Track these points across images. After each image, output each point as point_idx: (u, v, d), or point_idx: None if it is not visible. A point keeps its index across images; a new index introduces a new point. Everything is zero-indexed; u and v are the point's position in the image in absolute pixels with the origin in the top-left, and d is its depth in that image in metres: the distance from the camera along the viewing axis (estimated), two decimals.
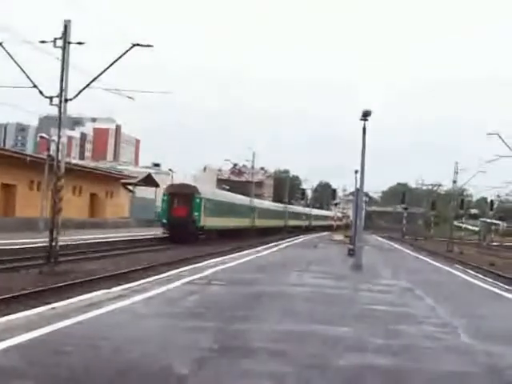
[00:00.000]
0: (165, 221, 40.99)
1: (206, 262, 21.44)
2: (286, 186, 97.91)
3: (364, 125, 23.22)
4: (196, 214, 40.74)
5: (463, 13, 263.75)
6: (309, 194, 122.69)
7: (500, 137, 42.16)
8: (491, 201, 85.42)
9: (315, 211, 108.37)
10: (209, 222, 42.34)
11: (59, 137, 21.73)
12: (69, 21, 21.40)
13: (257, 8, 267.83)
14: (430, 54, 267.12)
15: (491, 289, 17.31)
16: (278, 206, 79.55)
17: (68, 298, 11.84)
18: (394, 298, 13.83)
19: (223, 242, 41.38)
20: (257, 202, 64.99)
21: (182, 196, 41.11)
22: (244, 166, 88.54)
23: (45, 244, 21.94)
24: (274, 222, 69.13)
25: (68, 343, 7.28)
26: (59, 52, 21.31)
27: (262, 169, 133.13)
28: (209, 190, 48.67)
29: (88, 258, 26.00)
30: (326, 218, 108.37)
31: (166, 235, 40.15)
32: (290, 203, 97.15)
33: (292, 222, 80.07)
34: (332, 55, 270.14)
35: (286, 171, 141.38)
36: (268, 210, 68.53)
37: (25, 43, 21.99)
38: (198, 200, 41.22)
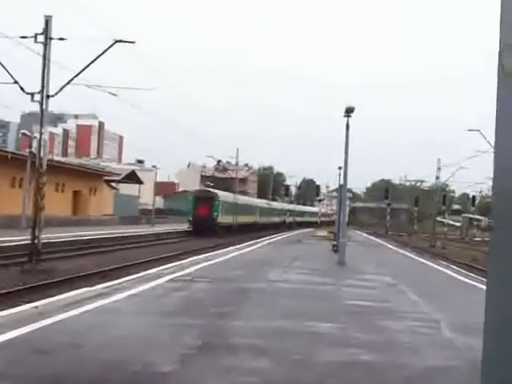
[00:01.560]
0: (191, 218, 50.88)
1: (191, 259, 21.40)
2: (270, 183, 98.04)
3: (347, 121, 23.30)
4: (215, 213, 50.86)
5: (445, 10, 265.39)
6: (293, 190, 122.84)
7: (481, 133, 42.46)
8: (473, 196, 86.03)
9: (304, 208, 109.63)
10: (224, 219, 52.62)
11: (41, 133, 21.56)
12: (50, 16, 21.22)
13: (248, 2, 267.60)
14: (414, 51, 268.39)
15: (473, 283, 17.43)
16: (278, 205, 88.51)
17: (50, 296, 11.75)
18: (378, 294, 13.88)
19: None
20: (260, 202, 76.69)
21: (205, 199, 51.15)
22: (228, 162, 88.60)
23: (27, 242, 21.77)
24: (274, 219, 78.41)
25: (50, 342, 7.23)
26: (41, 48, 21.13)
27: (246, 165, 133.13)
28: (224, 194, 57.85)
29: (71, 255, 25.83)
30: (311, 214, 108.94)
31: (189, 229, 49.48)
32: (273, 199, 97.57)
33: (288, 219, 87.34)
34: (317, 52, 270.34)
35: (270, 168, 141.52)
36: (269, 209, 77.95)
37: (4, 38, 21.78)
38: (216, 202, 51.60)
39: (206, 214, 49.74)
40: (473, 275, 21.32)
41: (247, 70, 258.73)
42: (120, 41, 22.15)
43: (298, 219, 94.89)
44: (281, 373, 6.42)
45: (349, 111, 22.96)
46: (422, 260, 28.96)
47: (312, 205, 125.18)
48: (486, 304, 1.18)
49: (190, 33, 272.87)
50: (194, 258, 22.28)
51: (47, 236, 23.91)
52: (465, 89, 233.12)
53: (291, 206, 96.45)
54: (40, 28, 21.04)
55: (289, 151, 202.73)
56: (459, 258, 35.98)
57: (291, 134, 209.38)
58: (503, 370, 1.10)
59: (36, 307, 9.60)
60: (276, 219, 79.84)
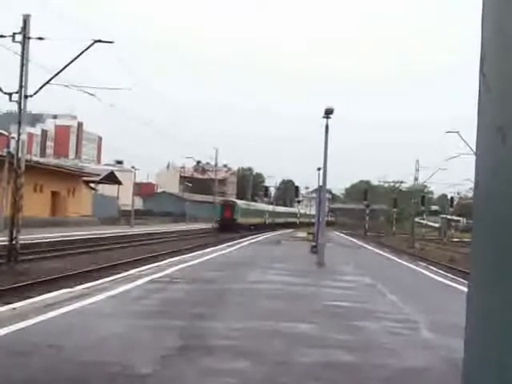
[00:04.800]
0: (218, 219, 68.25)
1: (170, 260, 21.35)
2: (249, 184, 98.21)
3: (326, 123, 23.38)
4: (236, 216, 68.89)
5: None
6: (272, 191, 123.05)
7: (459, 135, 42.91)
8: (451, 197, 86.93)
9: (283, 209, 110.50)
10: (242, 220, 70.41)
11: (19, 134, 21.38)
12: (28, 15, 21.04)
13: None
14: (394, 51, 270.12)
15: (452, 284, 17.60)
16: (290, 210, 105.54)
17: (29, 297, 11.66)
18: (357, 295, 13.96)
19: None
20: (267, 207, 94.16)
21: (228, 206, 70.64)
22: (207, 163, 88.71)
23: (5, 243, 21.57)
24: (278, 220, 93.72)
25: (28, 344, 7.17)
26: (18, 47, 20.96)
27: (226, 166, 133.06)
28: (242, 202, 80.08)
29: (49, 256, 25.62)
30: (291, 215, 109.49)
31: (216, 227, 65.30)
32: (253, 200, 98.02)
33: (289, 219, 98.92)
34: (296, 52, 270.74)
35: (250, 169, 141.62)
36: (273, 212, 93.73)
37: None
38: (236, 208, 70.59)
39: (229, 216, 67.92)
40: (451, 276, 21.51)
41: (226, 70, 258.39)
42: (99, 41, 22.06)
43: (278, 220, 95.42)
44: (260, 374, 6.44)
45: (328, 113, 23.03)
46: (400, 261, 29.15)
47: (291, 206, 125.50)
48: (467, 307, 1.20)
49: (165, 31, 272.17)
50: (174, 259, 22.22)
51: (25, 237, 23.71)
52: (445, 91, 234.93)
53: (271, 207, 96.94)
54: (18, 27, 20.88)
55: (268, 152, 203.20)
56: (438, 258, 36.27)
57: (271, 135, 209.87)
58: (485, 371, 1.12)
59: (14, 309, 9.52)
60: (280, 220, 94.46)
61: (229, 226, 64.60)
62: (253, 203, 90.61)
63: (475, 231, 1.18)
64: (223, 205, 72.77)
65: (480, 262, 1.16)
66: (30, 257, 23.75)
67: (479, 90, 1.18)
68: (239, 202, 77.96)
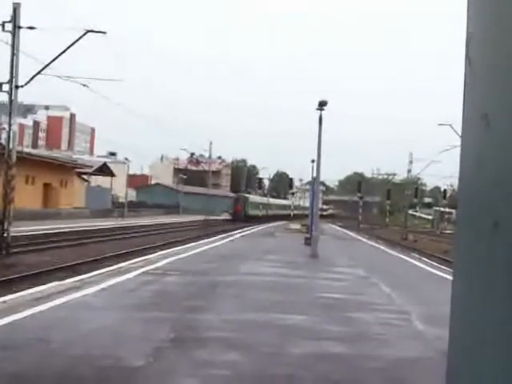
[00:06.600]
0: (231, 211, 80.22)
1: (164, 252, 21.27)
2: (243, 176, 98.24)
3: (320, 115, 23.33)
4: (246, 208, 79.58)
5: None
6: (266, 183, 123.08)
7: (452, 127, 42.87)
8: (444, 190, 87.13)
9: (277, 201, 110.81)
10: (251, 212, 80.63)
11: (10, 124, 21.22)
12: (18, 4, 20.83)
13: None
14: (387, 49, 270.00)
15: (444, 275, 17.58)
16: (283, 202, 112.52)
17: (19, 290, 11.55)
18: (350, 286, 13.92)
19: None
20: (271, 200, 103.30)
21: (240, 199, 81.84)
22: (201, 155, 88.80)
23: None
24: (279, 212, 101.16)
25: (17, 337, 7.08)
26: (8, 36, 20.76)
27: (220, 158, 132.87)
28: (252, 197, 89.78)
29: (41, 249, 25.46)
30: (284, 207, 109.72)
31: (229, 218, 76.89)
32: (247, 192, 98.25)
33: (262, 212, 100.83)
34: (289, 47, 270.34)
35: (244, 160, 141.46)
36: (276, 205, 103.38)
37: None
38: (247, 202, 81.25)
39: (241, 208, 78.62)
40: (443, 267, 21.51)
41: (220, 63, 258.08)
42: (91, 31, 21.89)
43: (273, 212, 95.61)
44: (253, 366, 6.38)
45: (322, 105, 22.99)
46: (393, 253, 29.17)
47: (285, 198, 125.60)
48: (451, 301, 1.16)
49: (161, 23, 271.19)
50: (166, 251, 22.13)
51: (17, 229, 23.57)
52: (442, 88, 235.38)
53: (265, 199, 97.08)
54: (8, 16, 20.68)
55: (262, 144, 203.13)
56: (430, 250, 36.33)
57: (265, 128, 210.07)
58: (469, 368, 1.08)
59: (4, 302, 9.42)
60: (275, 211, 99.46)
61: (240, 217, 75.18)
62: (262, 198, 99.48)
63: (459, 222, 1.14)
64: (236, 198, 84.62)
65: (463, 257, 1.11)
66: (22, 249, 23.61)
67: (464, 76, 1.12)
68: (250, 196, 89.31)
